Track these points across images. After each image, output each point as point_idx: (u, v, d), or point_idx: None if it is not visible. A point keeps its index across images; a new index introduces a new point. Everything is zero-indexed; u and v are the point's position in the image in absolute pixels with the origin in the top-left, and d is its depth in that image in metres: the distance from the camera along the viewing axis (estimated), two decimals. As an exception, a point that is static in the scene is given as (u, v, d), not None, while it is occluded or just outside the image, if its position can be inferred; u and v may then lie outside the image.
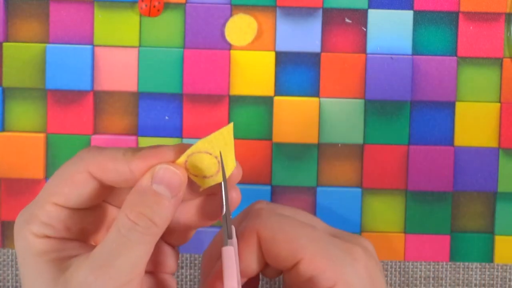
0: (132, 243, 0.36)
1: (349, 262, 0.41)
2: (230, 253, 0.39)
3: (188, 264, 0.54)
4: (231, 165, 0.39)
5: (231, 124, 0.38)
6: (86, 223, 0.40)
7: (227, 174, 0.39)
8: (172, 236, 0.41)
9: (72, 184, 0.38)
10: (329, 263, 0.40)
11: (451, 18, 0.53)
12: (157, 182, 0.37)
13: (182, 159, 0.38)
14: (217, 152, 0.38)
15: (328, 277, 0.40)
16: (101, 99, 0.54)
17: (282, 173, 0.54)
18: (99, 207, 0.41)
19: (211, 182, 0.39)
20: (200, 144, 0.38)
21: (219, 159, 0.38)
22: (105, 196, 0.40)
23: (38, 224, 0.38)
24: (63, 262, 0.37)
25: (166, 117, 0.54)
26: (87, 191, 0.38)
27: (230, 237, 0.39)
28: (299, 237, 0.41)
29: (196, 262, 0.54)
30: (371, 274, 0.41)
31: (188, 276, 0.54)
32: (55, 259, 0.37)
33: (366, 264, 0.41)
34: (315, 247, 0.40)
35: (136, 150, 0.38)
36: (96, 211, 0.40)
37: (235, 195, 0.39)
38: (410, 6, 0.53)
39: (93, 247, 0.39)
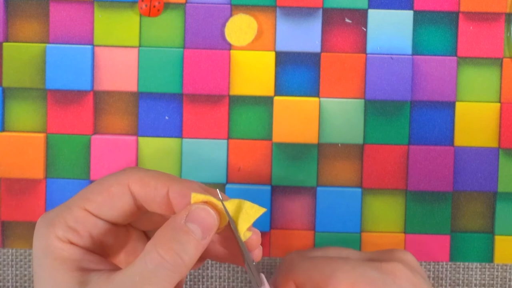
0: (157, 279, 0.36)
1: (390, 281, 0.41)
2: None
3: (188, 264, 0.54)
4: (244, 234, 0.39)
5: (264, 209, 0.39)
6: (109, 239, 0.40)
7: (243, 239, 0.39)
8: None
9: (108, 194, 0.38)
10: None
11: (451, 18, 0.53)
12: (192, 221, 0.37)
13: (203, 197, 0.38)
14: (234, 215, 0.39)
15: None
16: (101, 99, 0.54)
17: (282, 173, 0.54)
18: (124, 228, 0.41)
19: None
20: (228, 203, 0.38)
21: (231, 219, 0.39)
22: (134, 218, 0.40)
23: (63, 227, 0.38)
24: (82, 275, 0.37)
25: (166, 117, 0.54)
26: (120, 205, 0.39)
27: (260, 284, 0.39)
28: (334, 271, 0.41)
29: (196, 262, 0.54)
30: (416, 286, 0.42)
31: (188, 276, 0.54)
32: (75, 269, 0.37)
33: (408, 278, 0.41)
34: (352, 277, 0.40)
35: (179, 178, 0.39)
36: (120, 231, 0.41)
37: (255, 237, 0.39)
38: (410, 6, 0.53)
39: (113, 265, 0.39)
